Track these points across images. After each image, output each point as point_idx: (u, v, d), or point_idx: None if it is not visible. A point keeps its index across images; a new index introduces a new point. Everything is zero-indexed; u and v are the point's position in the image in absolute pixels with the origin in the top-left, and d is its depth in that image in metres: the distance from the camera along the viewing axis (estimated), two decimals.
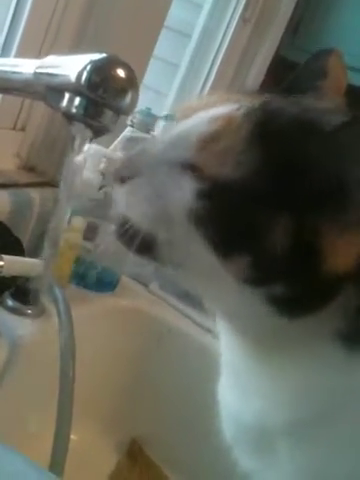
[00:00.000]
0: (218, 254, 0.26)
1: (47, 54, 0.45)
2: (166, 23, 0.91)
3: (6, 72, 0.45)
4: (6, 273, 0.54)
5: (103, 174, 0.70)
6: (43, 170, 0.77)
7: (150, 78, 0.97)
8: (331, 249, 0.25)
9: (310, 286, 0.25)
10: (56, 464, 0.50)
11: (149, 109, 0.76)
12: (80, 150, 0.40)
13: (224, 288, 0.27)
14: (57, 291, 0.58)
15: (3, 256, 0.54)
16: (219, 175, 0.25)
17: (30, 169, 0.77)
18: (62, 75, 0.40)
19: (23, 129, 0.75)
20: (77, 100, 0.39)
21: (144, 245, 0.28)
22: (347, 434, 0.27)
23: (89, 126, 0.39)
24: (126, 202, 0.28)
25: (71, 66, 0.39)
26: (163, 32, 0.90)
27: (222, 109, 0.26)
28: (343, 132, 0.24)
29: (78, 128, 0.40)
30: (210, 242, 0.26)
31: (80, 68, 0.38)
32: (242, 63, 1.22)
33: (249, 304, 0.27)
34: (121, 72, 0.38)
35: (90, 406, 0.70)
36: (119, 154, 0.74)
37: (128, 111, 0.40)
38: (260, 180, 0.24)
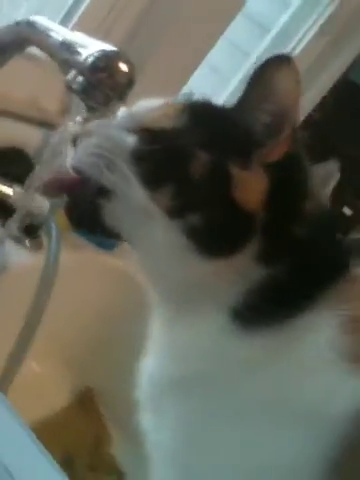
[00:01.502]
0: (149, 187, 0.31)
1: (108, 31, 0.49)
2: (248, 12, 0.93)
3: (42, 32, 0.50)
4: (14, 203, 0.59)
5: None
6: None
7: (218, 59, 1.00)
8: (240, 183, 0.30)
9: (223, 220, 0.30)
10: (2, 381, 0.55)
11: (192, 93, 0.80)
12: (73, 118, 0.46)
13: (152, 225, 0.31)
14: (53, 229, 0.62)
15: (15, 188, 0.58)
16: (155, 127, 0.33)
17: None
18: (77, 53, 0.45)
19: None
20: (79, 78, 0.45)
21: (95, 193, 0.33)
22: (223, 401, 0.30)
23: (84, 102, 0.45)
24: (78, 156, 0.34)
25: (88, 48, 0.45)
26: (243, 21, 0.92)
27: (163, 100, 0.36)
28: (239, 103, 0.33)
29: (74, 101, 0.46)
30: (143, 178, 0.31)
31: (90, 52, 0.44)
32: (308, 72, 1.22)
33: (171, 240, 0.31)
34: (123, 66, 0.44)
35: (59, 345, 0.75)
36: None
37: (120, 98, 0.45)
38: (184, 129, 0.32)
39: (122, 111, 0.37)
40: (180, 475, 0.31)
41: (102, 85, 0.43)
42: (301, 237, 0.31)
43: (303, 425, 0.27)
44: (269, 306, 0.30)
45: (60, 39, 0.47)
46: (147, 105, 0.35)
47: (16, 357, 0.57)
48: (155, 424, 0.33)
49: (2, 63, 0.54)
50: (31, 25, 0.51)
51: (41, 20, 0.51)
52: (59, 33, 0.48)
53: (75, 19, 0.77)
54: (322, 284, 0.30)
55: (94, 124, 0.36)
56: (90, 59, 0.43)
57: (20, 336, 0.58)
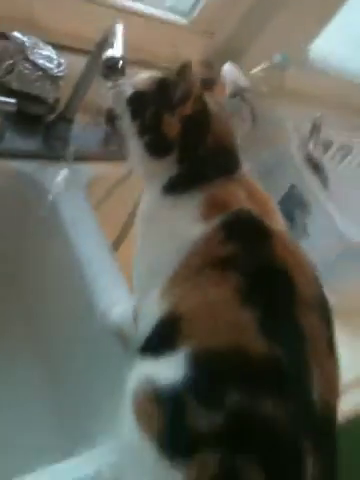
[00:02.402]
0: (131, 118, 0.56)
1: None
2: None
3: None
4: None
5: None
6: None
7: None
8: (166, 123, 0.54)
9: (157, 141, 0.55)
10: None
11: (286, 55, 0.96)
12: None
13: (131, 138, 0.57)
14: None
15: None
16: (138, 88, 0.57)
17: None
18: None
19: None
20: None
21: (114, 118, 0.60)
22: (147, 233, 0.56)
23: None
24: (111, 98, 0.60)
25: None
26: None
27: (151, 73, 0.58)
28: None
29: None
30: (129, 114, 0.57)
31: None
32: None
33: (137, 148, 0.56)
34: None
35: None
36: (244, 79, 0.97)
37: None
38: (149, 92, 0.56)
39: (137, 76, 0.58)
40: (137, 269, 0.57)
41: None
42: (202, 154, 0.54)
43: (174, 243, 0.51)
44: (178, 185, 0.54)
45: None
46: (143, 76, 0.58)
47: None
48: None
49: None
50: None
51: None
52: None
53: None
54: (207, 179, 0.53)
55: (121, 81, 0.60)
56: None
57: None
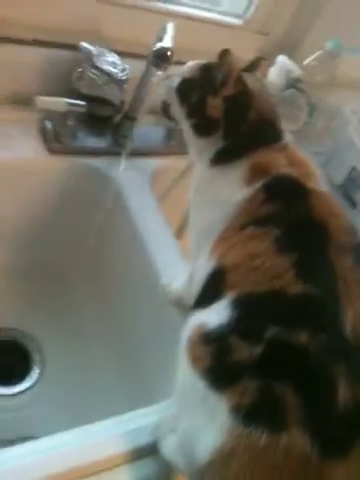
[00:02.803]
0: (180, 103, 0.63)
1: None
2: None
3: None
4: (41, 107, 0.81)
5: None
6: None
7: None
8: (210, 105, 0.59)
9: (203, 122, 0.60)
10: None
11: (338, 41, 1.00)
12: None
13: (186, 128, 0.63)
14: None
15: (37, 97, 0.79)
16: (184, 76, 0.63)
17: None
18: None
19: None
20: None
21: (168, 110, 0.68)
22: (197, 195, 0.63)
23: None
24: (163, 89, 0.67)
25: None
26: None
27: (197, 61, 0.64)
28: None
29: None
30: (179, 99, 0.63)
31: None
32: None
33: (187, 129, 0.63)
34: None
35: None
36: (297, 69, 1.04)
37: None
38: (195, 78, 0.62)
39: (184, 66, 0.64)
40: (192, 235, 0.64)
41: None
42: (244, 129, 0.59)
43: (221, 208, 0.57)
44: (225, 157, 0.59)
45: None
46: (189, 64, 0.64)
47: None
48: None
49: None
50: None
51: None
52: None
53: None
54: (250, 149, 0.58)
55: (170, 73, 0.67)
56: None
57: None
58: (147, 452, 0.56)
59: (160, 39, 0.70)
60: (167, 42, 0.68)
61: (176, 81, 0.64)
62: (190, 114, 0.61)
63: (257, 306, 0.47)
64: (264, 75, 0.65)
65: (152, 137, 0.98)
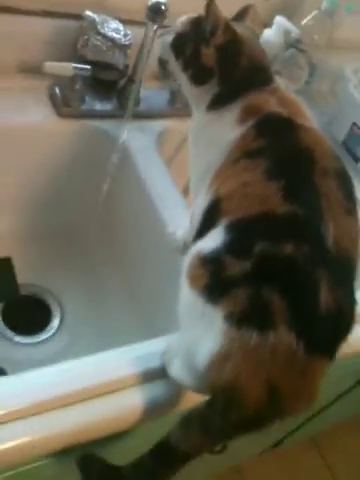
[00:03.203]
0: (176, 57, 0.66)
1: None
2: None
3: None
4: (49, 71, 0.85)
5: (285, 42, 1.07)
6: None
7: None
8: (204, 55, 0.62)
9: (199, 72, 0.64)
10: None
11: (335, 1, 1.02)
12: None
13: (178, 74, 0.67)
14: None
15: (45, 62, 0.84)
16: (177, 30, 0.66)
17: None
18: None
19: None
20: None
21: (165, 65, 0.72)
22: (194, 142, 0.67)
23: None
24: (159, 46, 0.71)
25: None
26: None
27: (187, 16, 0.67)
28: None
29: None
30: (174, 53, 0.66)
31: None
32: None
33: (184, 80, 0.66)
34: None
35: None
36: (295, 29, 1.07)
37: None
38: (187, 31, 0.65)
39: (176, 21, 0.67)
40: (192, 177, 0.68)
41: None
42: (238, 74, 0.62)
43: (217, 147, 0.60)
44: (220, 102, 0.63)
45: None
46: (181, 19, 0.67)
47: None
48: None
49: None
50: None
51: None
52: None
53: None
54: (243, 93, 0.62)
55: (164, 30, 0.71)
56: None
57: None
58: (157, 375, 0.61)
59: None
60: None
61: (170, 38, 0.67)
62: (186, 66, 0.65)
63: (247, 227, 0.51)
64: (254, 22, 0.67)
65: (157, 101, 1.03)
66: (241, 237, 0.51)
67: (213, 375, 0.49)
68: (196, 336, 0.52)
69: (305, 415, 1.23)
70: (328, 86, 1.22)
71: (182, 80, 0.67)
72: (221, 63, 0.62)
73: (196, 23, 0.64)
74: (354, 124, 1.05)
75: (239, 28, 0.64)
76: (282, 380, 0.46)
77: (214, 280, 0.51)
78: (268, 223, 0.50)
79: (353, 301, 0.49)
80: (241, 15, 0.67)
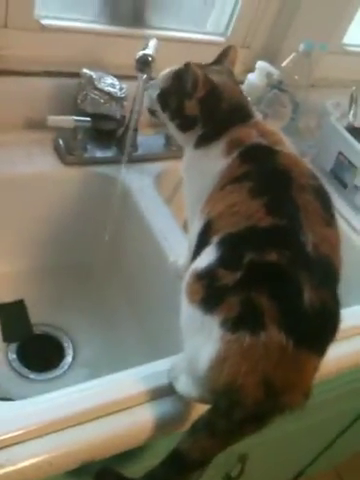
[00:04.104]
0: (162, 109, 0.74)
1: None
2: None
3: None
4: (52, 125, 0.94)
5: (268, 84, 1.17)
6: None
7: None
8: (187, 107, 0.70)
9: (184, 121, 0.72)
10: None
11: (308, 42, 1.11)
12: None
13: (167, 123, 0.75)
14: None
15: (48, 116, 0.93)
16: (161, 86, 0.74)
17: None
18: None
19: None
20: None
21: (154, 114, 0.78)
22: (188, 179, 0.74)
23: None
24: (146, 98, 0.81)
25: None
26: None
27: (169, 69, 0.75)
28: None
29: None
30: (160, 106, 0.74)
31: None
32: None
33: (172, 128, 0.74)
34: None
35: None
36: (276, 72, 1.16)
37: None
38: (169, 86, 0.73)
39: (159, 75, 0.75)
40: (187, 208, 0.74)
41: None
42: (219, 117, 0.69)
43: (207, 178, 0.66)
44: (206, 140, 0.70)
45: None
46: (163, 73, 0.75)
47: None
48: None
49: None
50: None
51: None
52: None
53: None
54: (226, 129, 0.68)
55: (150, 83, 0.81)
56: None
57: None
58: (166, 392, 0.65)
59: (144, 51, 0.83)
60: (148, 50, 0.80)
61: (155, 92, 0.75)
62: (172, 117, 0.73)
63: (236, 241, 0.56)
64: (233, 62, 0.75)
65: (153, 145, 1.11)
66: (231, 250, 0.56)
67: (213, 378, 0.53)
68: (197, 346, 0.56)
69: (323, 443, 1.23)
70: (316, 121, 1.30)
71: (170, 127, 0.75)
72: (204, 111, 0.70)
73: (177, 78, 0.71)
74: (340, 153, 1.12)
75: (216, 74, 0.71)
76: (276, 376, 0.49)
77: (209, 292, 0.55)
78: (254, 235, 0.55)
79: (337, 301, 0.54)
80: (223, 56, 0.74)
